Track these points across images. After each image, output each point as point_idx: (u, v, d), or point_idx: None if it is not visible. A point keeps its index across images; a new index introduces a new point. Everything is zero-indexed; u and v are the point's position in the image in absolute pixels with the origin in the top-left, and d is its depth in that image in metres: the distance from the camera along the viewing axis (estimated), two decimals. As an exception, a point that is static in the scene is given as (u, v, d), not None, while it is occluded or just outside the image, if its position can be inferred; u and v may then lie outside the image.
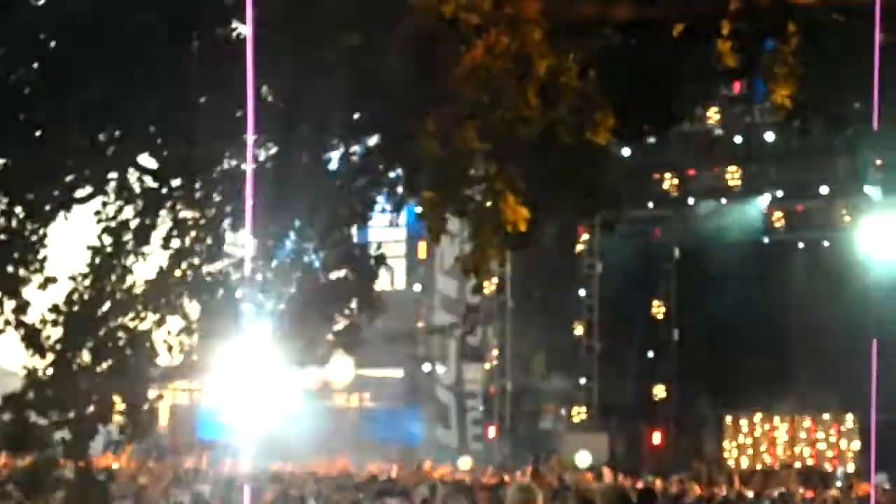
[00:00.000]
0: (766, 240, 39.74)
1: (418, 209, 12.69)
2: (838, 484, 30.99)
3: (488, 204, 11.90)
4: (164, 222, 12.47)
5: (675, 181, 38.61)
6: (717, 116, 36.32)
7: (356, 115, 12.90)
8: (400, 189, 13.14)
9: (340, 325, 12.50)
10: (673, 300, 41.93)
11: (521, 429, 40.95)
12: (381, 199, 13.30)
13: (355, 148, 13.12)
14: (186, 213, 12.49)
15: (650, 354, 42.46)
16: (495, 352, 40.70)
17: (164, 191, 12.50)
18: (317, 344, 12.67)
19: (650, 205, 39.95)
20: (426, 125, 11.68)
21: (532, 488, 10.94)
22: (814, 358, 40.04)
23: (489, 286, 40.78)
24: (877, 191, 32.64)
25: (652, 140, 35.90)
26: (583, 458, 34.76)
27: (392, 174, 12.80)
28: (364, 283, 12.36)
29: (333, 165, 12.88)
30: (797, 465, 36.58)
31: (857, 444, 36.66)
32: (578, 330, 40.97)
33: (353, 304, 12.48)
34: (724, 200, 38.94)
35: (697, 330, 40.85)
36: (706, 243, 39.76)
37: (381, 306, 12.62)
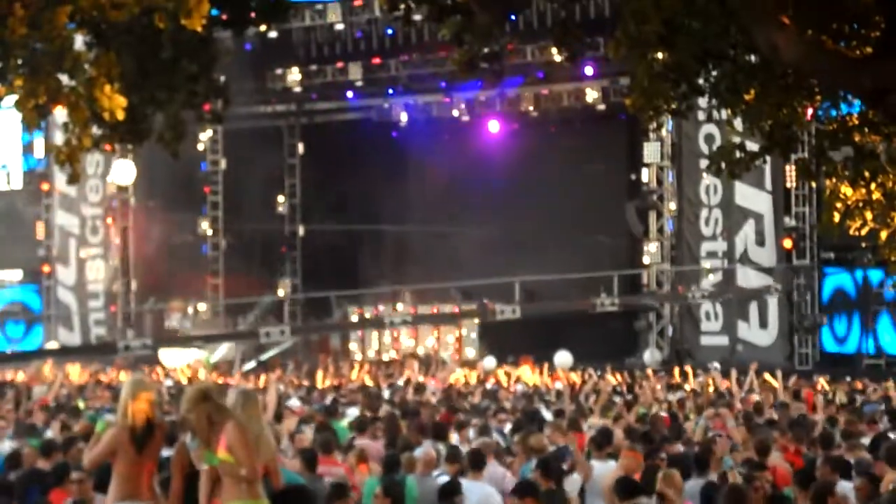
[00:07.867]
0: (392, 134, 40.20)
1: (9, 98, 12.13)
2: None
3: (82, 91, 11.50)
4: None
5: (299, 76, 38.49)
6: (339, 11, 36.34)
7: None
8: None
9: None
10: (298, 196, 42.09)
11: (146, 328, 40.36)
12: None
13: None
14: None
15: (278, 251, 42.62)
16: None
17: None
18: None
19: (273, 100, 39.92)
20: (14, 8, 11.16)
21: (144, 381, 11.22)
22: (437, 250, 41.08)
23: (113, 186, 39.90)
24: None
25: (274, 34, 35.87)
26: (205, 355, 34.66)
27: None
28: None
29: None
30: (420, 352, 37.47)
31: (475, 333, 37.83)
32: (204, 227, 40.66)
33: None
34: (348, 95, 39.19)
35: (324, 223, 41.18)
36: (331, 138, 39.97)
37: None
